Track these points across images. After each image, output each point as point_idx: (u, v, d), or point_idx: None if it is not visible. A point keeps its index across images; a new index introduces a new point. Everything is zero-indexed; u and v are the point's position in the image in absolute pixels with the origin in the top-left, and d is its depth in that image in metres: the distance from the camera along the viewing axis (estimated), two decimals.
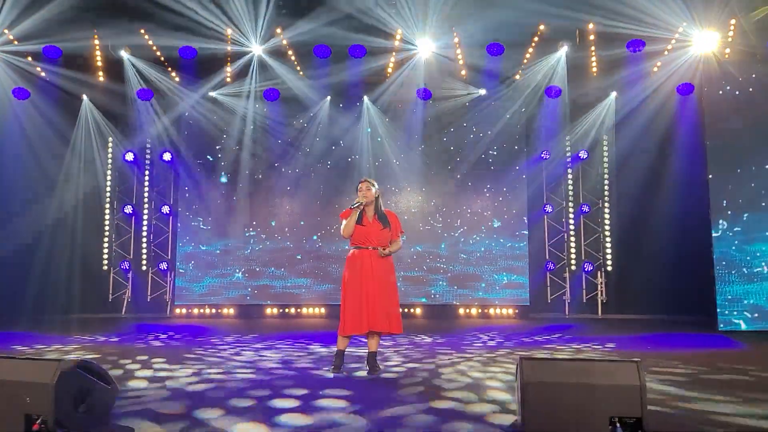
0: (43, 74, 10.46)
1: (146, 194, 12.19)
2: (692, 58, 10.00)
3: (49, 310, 10.87)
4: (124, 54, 10.52)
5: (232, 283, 11.60)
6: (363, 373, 5.23)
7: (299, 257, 11.64)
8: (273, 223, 11.77)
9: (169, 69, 10.95)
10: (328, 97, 11.54)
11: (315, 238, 11.65)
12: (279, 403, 4.08)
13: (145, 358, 6.15)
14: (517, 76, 11.07)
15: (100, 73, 10.70)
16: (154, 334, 8.60)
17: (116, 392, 3.58)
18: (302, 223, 11.71)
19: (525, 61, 10.67)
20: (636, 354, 6.53)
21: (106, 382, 3.47)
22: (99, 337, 8.14)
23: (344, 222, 5.25)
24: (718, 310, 9.23)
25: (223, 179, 11.79)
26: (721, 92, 9.65)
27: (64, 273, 11.50)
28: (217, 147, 11.83)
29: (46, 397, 3.13)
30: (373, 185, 5.30)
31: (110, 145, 11.97)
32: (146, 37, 10.15)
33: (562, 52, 10.43)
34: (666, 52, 10.12)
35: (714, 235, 9.42)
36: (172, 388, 4.57)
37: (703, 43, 9.75)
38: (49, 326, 9.31)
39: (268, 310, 11.51)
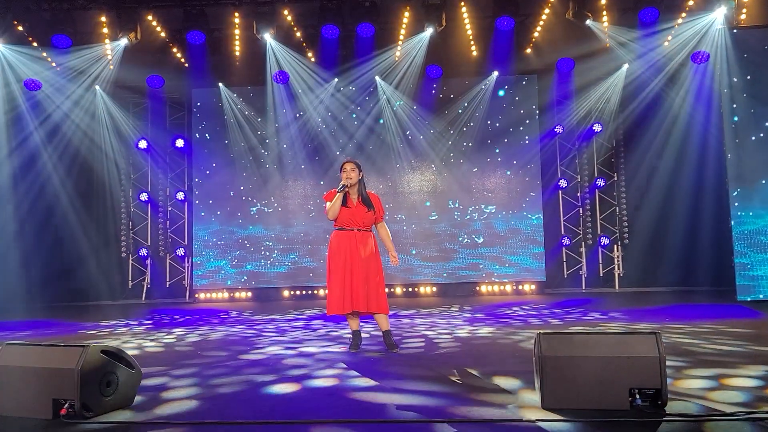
0: (53, 64, 10.49)
1: (161, 181, 12.29)
2: (706, 25, 9.80)
3: (70, 298, 11.07)
4: (129, 39, 10.43)
5: (249, 267, 11.68)
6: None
7: (314, 239, 11.67)
8: (288, 206, 11.81)
9: (179, 56, 10.94)
10: (335, 79, 11.47)
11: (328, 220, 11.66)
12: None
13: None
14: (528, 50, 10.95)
15: (110, 62, 10.71)
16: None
17: (140, 376, 3.64)
18: (318, 203, 11.71)
19: (534, 38, 10.53)
20: (655, 326, 6.52)
21: (129, 366, 3.54)
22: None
23: (329, 204, 5.26)
24: (736, 280, 9.16)
25: (237, 163, 11.81)
26: (736, 59, 9.47)
27: (84, 261, 11.69)
28: (230, 131, 11.81)
29: (72, 382, 3.20)
30: (357, 167, 5.31)
31: (123, 133, 12.01)
32: (153, 22, 10.15)
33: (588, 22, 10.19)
34: (680, 20, 9.92)
35: (732, 204, 9.31)
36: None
37: (717, 10, 9.55)
38: (80, 314, 9.49)
39: (285, 293, 11.60)
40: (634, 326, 6.62)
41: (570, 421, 3.03)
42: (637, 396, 3.12)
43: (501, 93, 11.57)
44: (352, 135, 11.65)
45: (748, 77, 9.35)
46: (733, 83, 9.39)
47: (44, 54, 10.26)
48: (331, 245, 5.32)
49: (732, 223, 9.25)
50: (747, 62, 9.40)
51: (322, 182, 11.64)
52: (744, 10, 9.51)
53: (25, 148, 10.77)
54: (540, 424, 3.01)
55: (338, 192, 5.19)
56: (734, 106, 9.37)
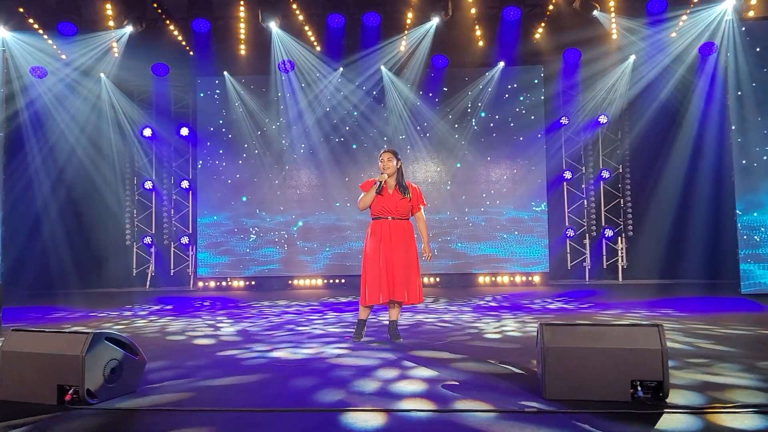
0: (59, 51, 10.47)
1: (165, 169, 12.30)
2: (714, 17, 9.72)
3: (77, 285, 11.11)
4: (135, 27, 10.38)
5: (253, 256, 11.70)
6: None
7: (318, 229, 11.68)
8: (293, 195, 11.80)
9: (184, 44, 10.91)
10: (341, 68, 11.42)
11: (337, 205, 11.66)
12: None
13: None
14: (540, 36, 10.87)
15: (115, 49, 10.69)
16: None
17: (143, 363, 3.67)
18: (322, 193, 11.73)
19: (541, 28, 10.47)
20: (657, 318, 6.52)
21: (133, 354, 3.56)
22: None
23: (363, 194, 5.19)
24: (741, 273, 9.13)
25: (241, 152, 11.79)
26: (744, 50, 9.39)
27: (89, 249, 11.73)
28: (234, 120, 11.79)
29: (76, 369, 3.22)
30: (395, 156, 5.25)
31: (128, 121, 12.00)
32: (158, 10, 10.13)
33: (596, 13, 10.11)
34: (688, 11, 9.84)
35: (737, 196, 9.26)
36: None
37: (726, 1, 9.48)
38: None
39: (289, 281, 11.63)
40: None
41: (572, 412, 3.03)
42: (639, 388, 3.12)
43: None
44: (356, 124, 11.62)
45: (758, 69, 9.28)
46: (741, 75, 9.32)
47: (50, 41, 10.24)
48: (368, 235, 5.24)
49: (738, 214, 9.22)
50: (756, 54, 9.33)
51: (330, 171, 11.60)
52: (753, 2, 9.43)
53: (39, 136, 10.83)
54: (541, 414, 3.02)
55: (376, 188, 5.10)
56: (741, 95, 9.30)
